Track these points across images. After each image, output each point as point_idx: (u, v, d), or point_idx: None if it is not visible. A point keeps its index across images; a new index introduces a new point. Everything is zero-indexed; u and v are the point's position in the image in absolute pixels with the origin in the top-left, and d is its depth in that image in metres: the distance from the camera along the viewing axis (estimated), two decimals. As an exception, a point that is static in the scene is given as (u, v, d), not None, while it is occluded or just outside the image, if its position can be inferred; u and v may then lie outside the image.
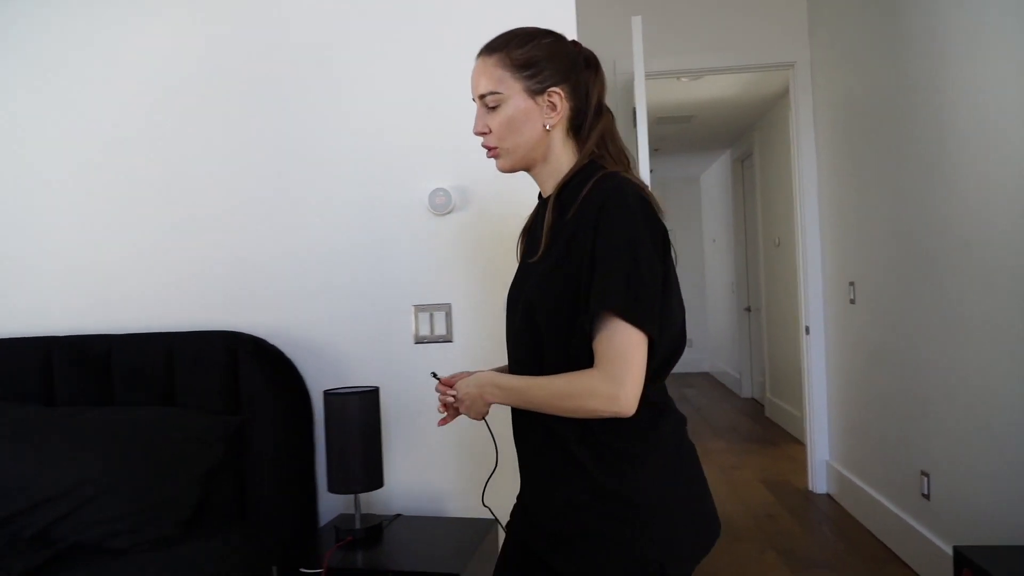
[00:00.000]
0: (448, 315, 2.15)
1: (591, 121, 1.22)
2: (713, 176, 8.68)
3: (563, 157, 1.22)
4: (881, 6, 3.05)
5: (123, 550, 1.79)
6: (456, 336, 2.16)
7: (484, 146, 1.23)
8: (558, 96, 1.19)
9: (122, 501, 1.84)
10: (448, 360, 2.15)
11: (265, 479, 2.06)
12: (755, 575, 2.96)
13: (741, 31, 3.99)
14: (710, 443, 5.34)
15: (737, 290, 7.36)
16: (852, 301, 3.51)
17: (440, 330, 2.17)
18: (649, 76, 4.17)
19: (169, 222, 2.28)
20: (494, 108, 1.19)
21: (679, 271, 1.21)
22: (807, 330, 4.04)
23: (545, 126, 1.19)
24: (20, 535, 1.83)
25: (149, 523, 1.83)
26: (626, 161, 1.22)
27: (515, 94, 1.18)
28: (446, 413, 1.31)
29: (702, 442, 5.38)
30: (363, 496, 2.14)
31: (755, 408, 6.66)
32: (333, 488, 1.89)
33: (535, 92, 1.18)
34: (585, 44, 1.26)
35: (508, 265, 2.02)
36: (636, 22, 3.01)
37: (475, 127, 1.23)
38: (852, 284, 3.50)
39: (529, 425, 1.22)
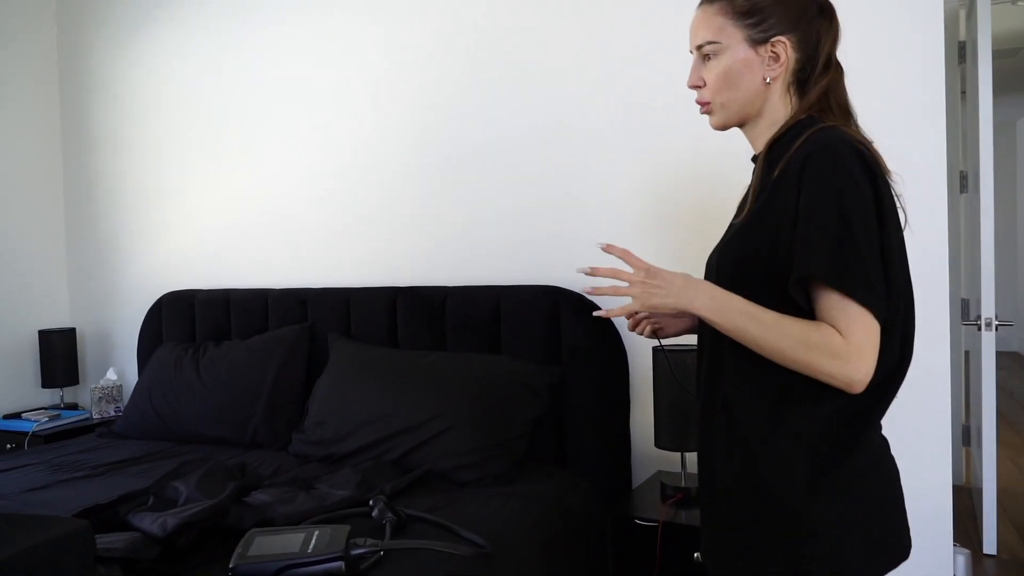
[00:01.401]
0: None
1: (817, 75, 1.10)
2: (1036, 120, 7.29)
3: (779, 113, 1.13)
4: None
5: (467, 482, 1.96)
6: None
7: (697, 101, 1.16)
8: (783, 46, 1.09)
9: (467, 438, 2.00)
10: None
11: (585, 430, 2.13)
12: None
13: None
14: (1035, 434, 4.57)
15: (1069, 256, 6.14)
16: None
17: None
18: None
19: (495, 187, 2.41)
20: (711, 59, 1.12)
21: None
22: None
23: (765, 79, 1.11)
24: (383, 458, 2.09)
25: (491, 460, 1.98)
26: (846, 117, 1.11)
27: (735, 43, 1.10)
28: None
29: (1022, 432, 4.62)
30: (674, 455, 2.12)
31: (1091, 398, 5.56)
32: (660, 443, 1.89)
33: (757, 42, 1.09)
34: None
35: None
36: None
37: (689, 79, 1.16)
38: None
39: (714, 402, 1.13)
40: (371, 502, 1.68)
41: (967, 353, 3.70)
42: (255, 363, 2.51)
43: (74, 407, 3.23)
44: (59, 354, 3.15)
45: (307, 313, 2.63)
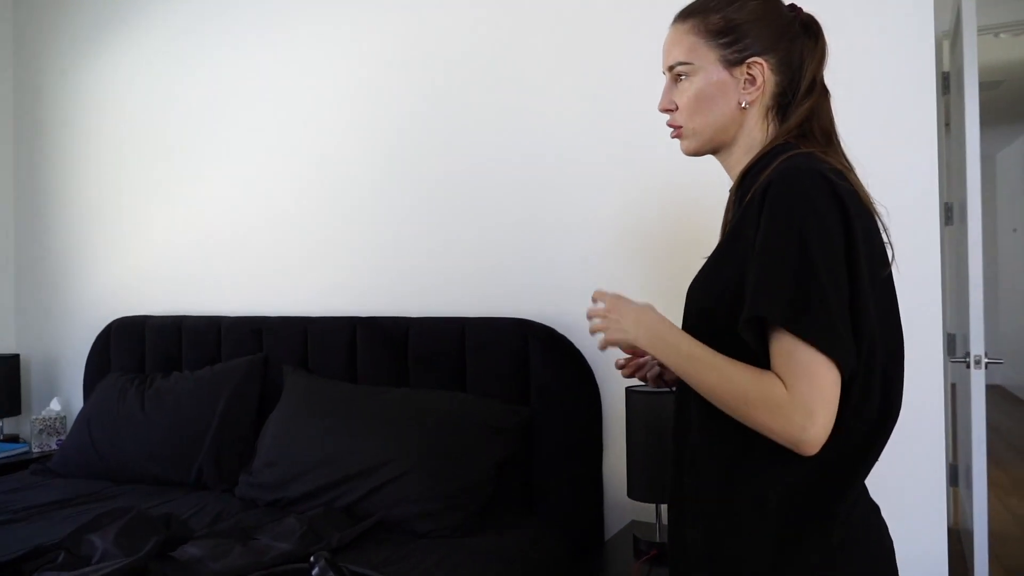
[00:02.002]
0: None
1: (800, 99, 1.00)
2: (1017, 153, 7.31)
3: (756, 140, 1.03)
4: None
5: (424, 533, 1.79)
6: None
7: (669, 124, 1.07)
8: (760, 68, 1.00)
9: (425, 485, 1.84)
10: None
11: (555, 476, 1.97)
12: None
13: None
14: (1020, 471, 4.46)
15: (1052, 289, 6.10)
16: None
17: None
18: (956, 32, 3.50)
19: (462, 213, 2.27)
20: (683, 81, 1.03)
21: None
22: None
23: (741, 103, 1.01)
24: (333, 505, 1.91)
25: (451, 508, 1.81)
26: (828, 143, 1.00)
27: (708, 64, 1.01)
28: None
29: (1010, 470, 4.51)
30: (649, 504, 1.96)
31: (1077, 433, 5.48)
32: (634, 494, 1.74)
33: (732, 63, 1.01)
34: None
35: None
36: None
37: (660, 103, 1.07)
38: None
39: (682, 459, 1.02)
40: (312, 558, 1.51)
41: (953, 387, 3.59)
42: (203, 396, 2.34)
43: (15, 439, 3.02)
44: (0, 382, 2.95)
45: (262, 343, 2.45)
